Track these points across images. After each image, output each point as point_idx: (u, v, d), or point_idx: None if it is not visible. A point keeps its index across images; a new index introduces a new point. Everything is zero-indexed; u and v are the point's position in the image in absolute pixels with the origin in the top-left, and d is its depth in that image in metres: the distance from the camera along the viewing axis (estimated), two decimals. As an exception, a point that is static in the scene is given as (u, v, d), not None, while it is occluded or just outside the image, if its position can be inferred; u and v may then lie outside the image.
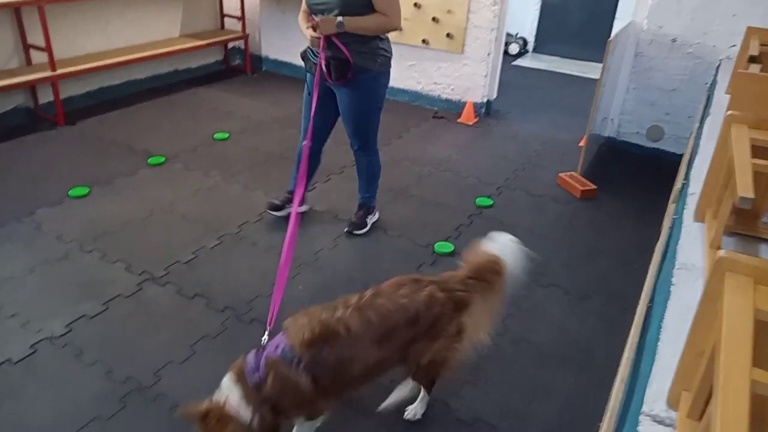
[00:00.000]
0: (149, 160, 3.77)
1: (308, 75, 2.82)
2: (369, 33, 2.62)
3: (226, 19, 5.73)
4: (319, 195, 3.50)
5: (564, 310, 2.64)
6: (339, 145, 4.25)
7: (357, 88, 2.72)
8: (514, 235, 3.13)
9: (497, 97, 5.08)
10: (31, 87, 4.19)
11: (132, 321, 2.38)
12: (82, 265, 2.70)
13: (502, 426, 2.01)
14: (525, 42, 6.98)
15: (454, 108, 4.99)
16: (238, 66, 5.95)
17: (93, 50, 4.57)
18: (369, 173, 3.09)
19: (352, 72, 2.63)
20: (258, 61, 5.89)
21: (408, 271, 2.79)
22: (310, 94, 2.80)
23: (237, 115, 4.69)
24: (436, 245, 3.03)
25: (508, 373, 2.26)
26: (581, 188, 3.64)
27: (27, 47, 4.09)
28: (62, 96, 4.25)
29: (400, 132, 4.55)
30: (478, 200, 3.53)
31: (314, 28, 2.58)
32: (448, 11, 4.69)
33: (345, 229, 3.11)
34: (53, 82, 4.12)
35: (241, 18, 5.57)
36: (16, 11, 3.97)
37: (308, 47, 2.75)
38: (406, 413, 2.00)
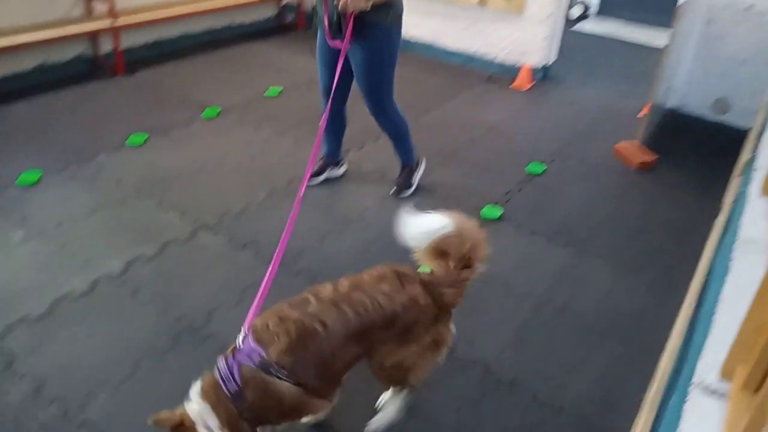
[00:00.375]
0: (204, 112, 3.84)
1: (319, 32, 2.74)
2: None
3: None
4: (367, 154, 3.51)
5: (611, 282, 2.59)
6: (389, 105, 4.22)
7: (369, 43, 2.62)
8: (566, 204, 3.10)
9: (555, 61, 4.91)
10: (93, 37, 4.30)
11: (185, 265, 2.48)
12: (139, 210, 2.80)
13: (540, 390, 2.02)
14: (587, 6, 6.68)
15: (509, 72, 4.86)
16: (290, 23, 5.94)
17: (152, 1, 4.63)
18: (395, 133, 3.02)
19: (363, 26, 2.52)
20: (311, 18, 5.85)
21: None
22: (321, 53, 2.77)
23: (289, 72, 4.71)
24: (483, 210, 3.00)
25: (549, 339, 2.25)
26: (639, 159, 3.52)
27: (90, -4, 4.19)
28: (122, 46, 4.34)
29: (451, 95, 4.47)
30: (528, 167, 3.46)
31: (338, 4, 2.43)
32: (509, -30, 4.52)
33: (391, 192, 3.12)
34: (114, 32, 4.22)
35: (297, -27, 5.53)
36: (81, -40, 4.06)
37: (317, 3, 2.66)
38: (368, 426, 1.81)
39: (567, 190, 3.26)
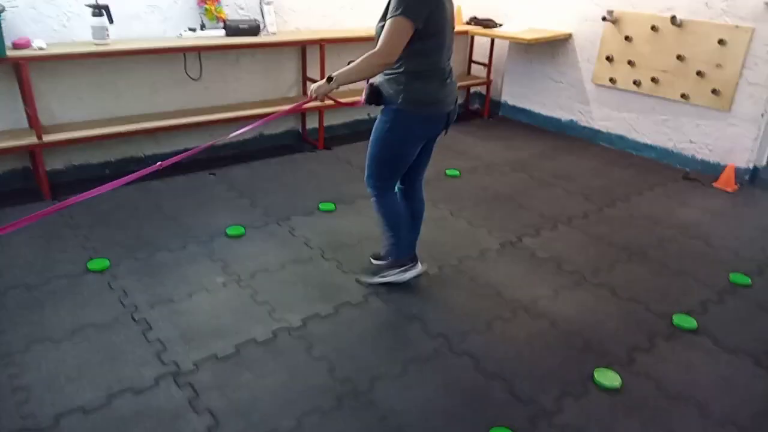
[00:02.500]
0: (387, 187, 4.07)
1: None
2: (365, 77, 2.41)
3: (473, 65, 6.02)
4: (543, 242, 3.39)
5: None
6: (570, 195, 4.10)
7: (380, 115, 2.54)
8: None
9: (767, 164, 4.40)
10: (302, 114, 4.88)
11: (356, 328, 2.56)
12: (321, 270, 3.00)
13: None
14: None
15: (710, 171, 4.46)
16: (476, 109, 6.17)
17: (355, 86, 5.14)
18: (378, 216, 2.74)
19: (380, 97, 2.49)
20: (496, 106, 6.02)
21: (638, 341, 2.53)
22: None
23: (470, 155, 4.83)
24: (675, 317, 2.69)
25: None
26: None
27: (305, 80, 4.79)
28: (325, 124, 4.85)
29: (642, 189, 4.20)
30: (732, 275, 3.06)
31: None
32: (718, 65, 4.24)
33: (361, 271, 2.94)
34: (320, 111, 4.74)
35: (488, 65, 5.78)
36: (302, 49, 4.69)
37: None
38: None
39: (781, 308, 2.80)
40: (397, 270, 2.84)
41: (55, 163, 3.84)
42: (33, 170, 3.72)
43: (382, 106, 2.53)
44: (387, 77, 2.45)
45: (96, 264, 2.90)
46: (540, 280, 3.00)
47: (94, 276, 2.83)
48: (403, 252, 2.81)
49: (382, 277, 2.86)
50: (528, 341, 2.52)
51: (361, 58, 2.34)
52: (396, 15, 2.24)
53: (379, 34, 2.35)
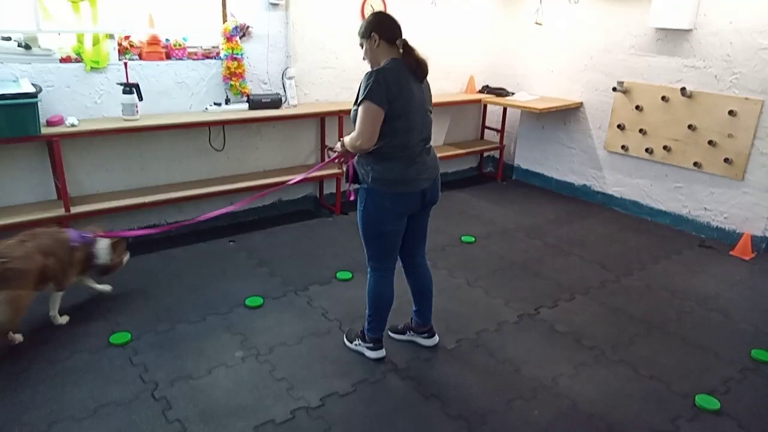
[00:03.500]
0: (403, 255, 4.11)
1: None
2: (353, 151, 2.57)
3: (486, 131, 6.16)
4: (561, 314, 3.38)
5: None
6: (587, 263, 4.11)
7: (358, 195, 2.67)
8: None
9: (784, 231, 4.40)
10: (320, 180, 4.99)
11: (375, 407, 2.55)
12: (339, 343, 3.01)
13: None
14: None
15: (727, 238, 4.45)
16: (489, 173, 6.27)
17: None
18: (367, 293, 2.81)
19: (357, 177, 2.64)
20: (509, 169, 6.12)
21: (661, 424, 2.49)
22: None
23: (484, 220, 4.89)
24: (697, 397, 2.65)
25: None
26: None
27: (323, 148, 4.93)
28: (341, 189, 4.95)
29: (658, 257, 4.20)
30: (754, 352, 3.02)
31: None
32: (729, 135, 4.31)
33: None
34: (337, 177, 4.85)
35: (501, 130, 5.91)
36: (322, 119, 4.85)
37: None
38: None
39: (807, 388, 2.75)
40: (364, 344, 2.91)
41: (80, 231, 3.95)
42: (59, 239, 3.82)
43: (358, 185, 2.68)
44: (360, 158, 2.62)
45: (118, 338, 2.94)
46: (559, 356, 2.98)
47: (116, 350, 2.87)
48: (372, 332, 2.86)
49: (354, 345, 2.94)
50: (550, 424, 2.49)
51: (348, 137, 2.55)
52: (363, 100, 2.43)
53: (354, 117, 2.53)
